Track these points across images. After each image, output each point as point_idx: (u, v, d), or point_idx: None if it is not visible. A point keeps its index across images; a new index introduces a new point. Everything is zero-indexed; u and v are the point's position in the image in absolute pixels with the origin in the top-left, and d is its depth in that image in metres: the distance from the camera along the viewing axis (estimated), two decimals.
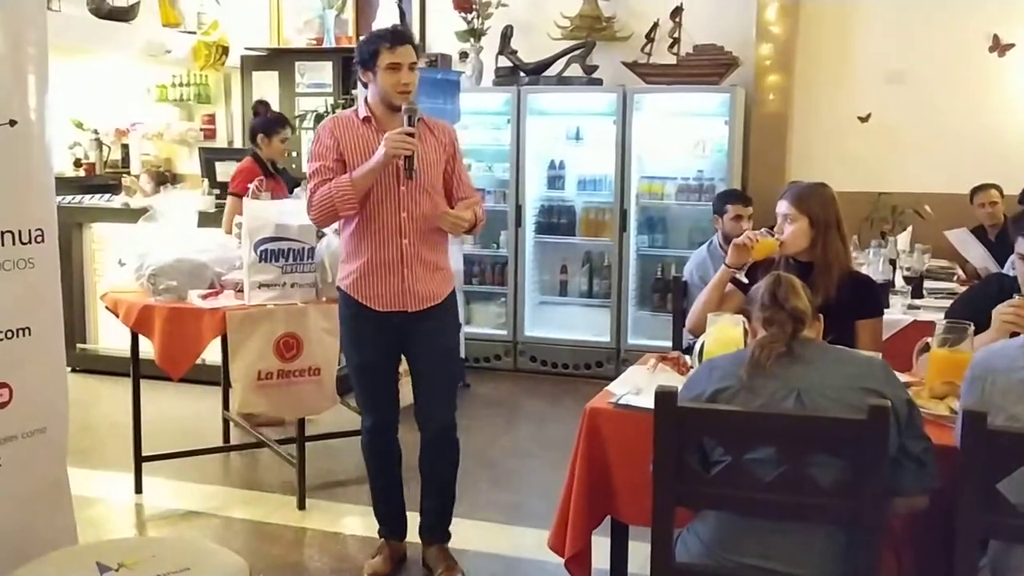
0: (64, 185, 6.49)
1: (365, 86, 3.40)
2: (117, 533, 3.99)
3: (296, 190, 5.17)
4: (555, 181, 6.89)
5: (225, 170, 5.88)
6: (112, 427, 5.15)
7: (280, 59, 7.47)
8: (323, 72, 7.37)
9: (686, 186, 6.58)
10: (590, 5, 6.80)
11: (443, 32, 7.04)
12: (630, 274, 6.63)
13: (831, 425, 2.09)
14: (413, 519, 3.67)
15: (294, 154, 7.49)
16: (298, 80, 7.41)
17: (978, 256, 5.43)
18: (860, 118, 6.57)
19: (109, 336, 6.30)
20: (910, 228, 5.85)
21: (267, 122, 5.38)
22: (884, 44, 6.50)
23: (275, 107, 7.47)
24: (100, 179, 7.54)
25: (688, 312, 3.67)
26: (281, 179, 5.41)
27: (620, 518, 2.78)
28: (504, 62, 6.88)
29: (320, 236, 4.13)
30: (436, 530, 3.61)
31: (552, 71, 6.76)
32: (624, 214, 6.53)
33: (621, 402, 2.71)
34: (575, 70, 6.70)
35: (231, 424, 4.97)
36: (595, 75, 6.70)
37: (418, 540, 3.65)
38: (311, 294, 4.09)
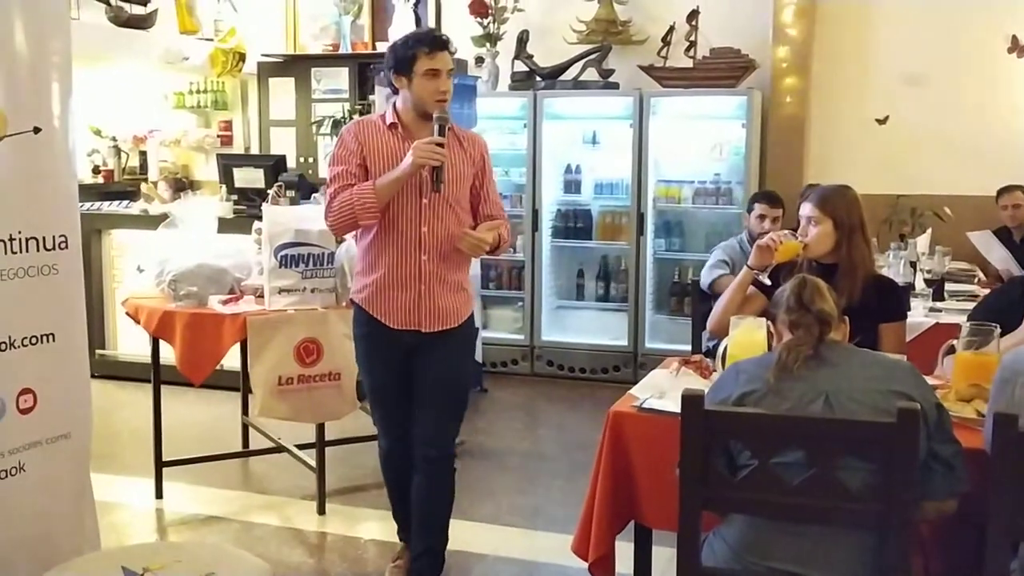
0: (83, 192, 6.46)
1: (395, 91, 3.23)
2: (138, 538, 4.00)
3: (314, 195, 5.18)
4: (571, 185, 6.89)
5: (243, 176, 5.89)
6: (132, 433, 5.17)
7: (296, 65, 7.49)
8: (339, 78, 7.37)
9: (703, 189, 6.56)
10: (606, 9, 6.80)
11: (459, 37, 6.99)
12: (647, 278, 6.62)
13: (861, 428, 2.08)
14: None
15: (310, 159, 7.53)
16: (314, 86, 7.43)
17: (1000, 258, 5.40)
18: (878, 120, 6.54)
19: (128, 342, 6.33)
20: (929, 230, 5.82)
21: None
22: (901, 46, 6.47)
23: (291, 114, 7.55)
24: (118, 186, 7.57)
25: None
26: None
27: (644, 522, 2.77)
28: (520, 67, 6.89)
29: (340, 241, 4.13)
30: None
31: (568, 75, 6.75)
32: (641, 218, 6.52)
33: (645, 406, 2.70)
34: (591, 74, 6.70)
35: (250, 429, 4.97)
36: (611, 79, 6.69)
37: None
38: (331, 299, 4.09)
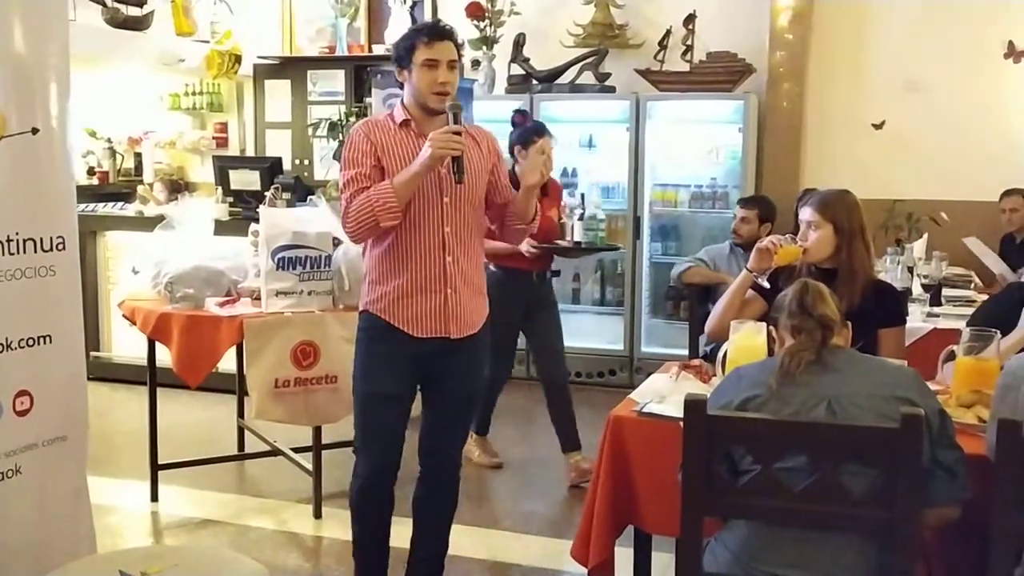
0: (78, 193, 6.45)
1: (401, 87, 3.06)
2: (134, 541, 3.98)
3: (311, 197, 5.15)
4: (568, 189, 6.87)
5: (239, 178, 5.87)
6: (127, 435, 5.15)
7: (292, 68, 7.48)
8: (335, 80, 7.37)
9: (699, 194, 6.56)
10: (603, 12, 6.80)
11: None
12: (643, 282, 6.62)
13: (864, 434, 2.07)
14: None
15: (306, 162, 7.51)
16: (310, 88, 7.42)
17: (993, 263, 5.42)
18: (874, 125, 6.55)
19: (123, 344, 6.31)
20: (926, 235, 5.82)
21: (524, 132, 4.74)
22: (898, 51, 6.48)
23: (287, 116, 7.53)
24: (113, 187, 7.55)
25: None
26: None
27: (643, 527, 2.77)
28: (516, 70, 6.88)
29: (337, 244, 4.12)
30: None
31: (565, 79, 6.75)
32: (637, 221, 6.52)
33: (645, 410, 2.69)
34: (588, 78, 6.70)
35: (246, 432, 4.95)
36: (608, 83, 6.69)
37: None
38: (328, 302, 4.08)
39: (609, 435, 2.68)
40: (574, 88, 6.69)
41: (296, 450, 4.50)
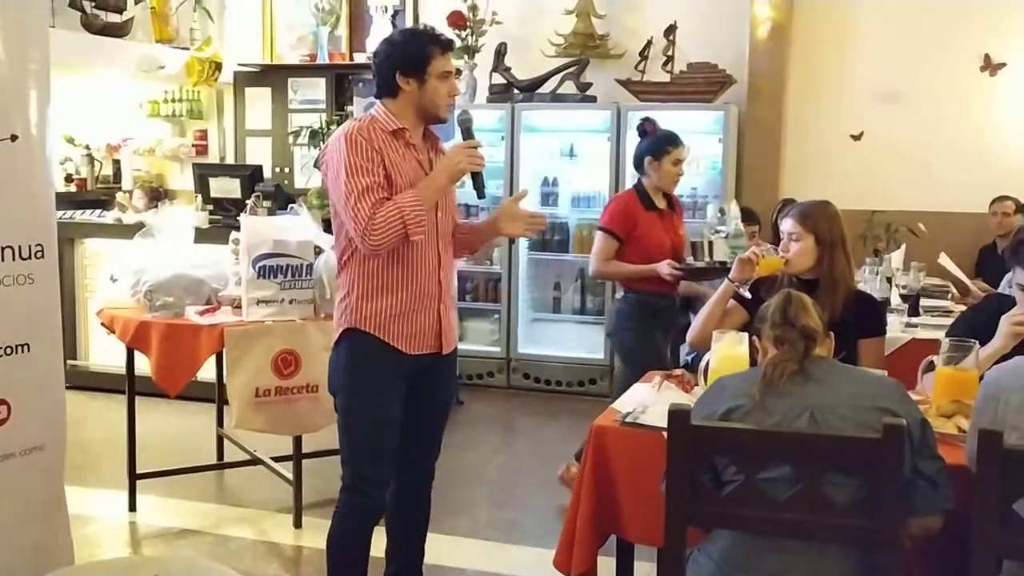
0: (56, 200, 6.43)
1: (391, 96, 2.89)
2: (112, 552, 3.94)
3: (292, 205, 5.13)
4: (549, 198, 6.89)
5: (219, 186, 5.84)
6: (104, 444, 5.10)
7: (273, 75, 7.46)
8: (316, 88, 7.36)
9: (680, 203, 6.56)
10: (584, 23, 6.83)
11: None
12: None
13: (847, 444, 2.08)
14: None
15: (287, 170, 7.49)
16: (291, 96, 7.41)
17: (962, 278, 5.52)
18: (853, 136, 6.61)
19: (100, 352, 6.26)
20: (904, 246, 5.86)
21: (656, 142, 4.49)
22: (876, 63, 6.54)
23: (267, 123, 7.50)
24: (92, 194, 7.49)
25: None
26: (665, 212, 4.51)
27: (626, 537, 2.77)
28: (498, 79, 6.89)
29: (318, 252, 4.11)
30: None
31: (546, 88, 6.77)
32: None
33: (628, 420, 2.69)
34: (569, 87, 6.72)
35: (225, 441, 4.92)
36: (589, 92, 6.71)
37: None
38: (309, 310, 4.07)
39: (592, 445, 2.68)
40: (555, 97, 6.71)
41: (276, 459, 4.48)
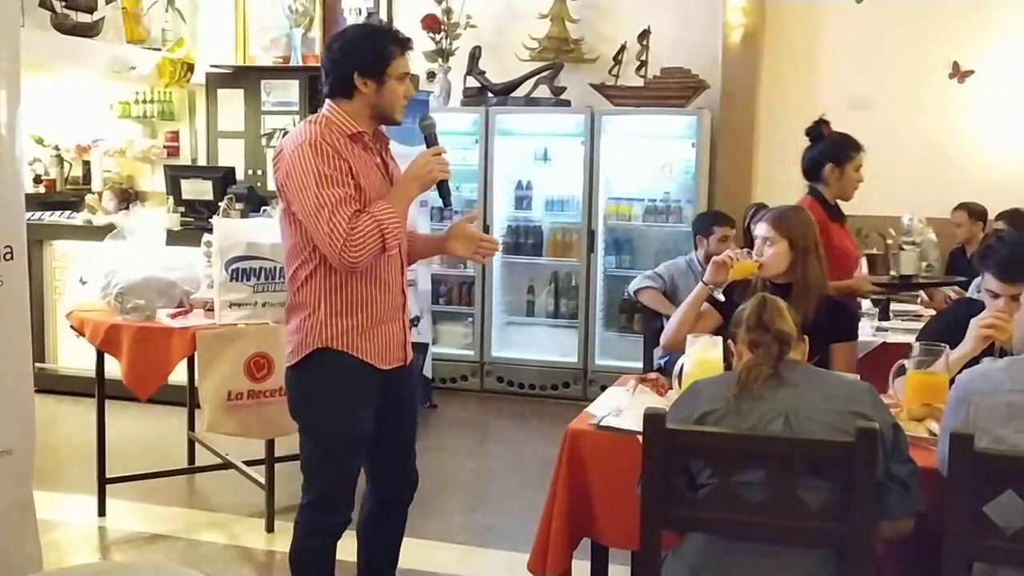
0: (24, 201, 6.36)
1: (345, 96, 2.77)
2: (80, 557, 3.90)
3: (265, 208, 5.11)
4: (523, 201, 6.90)
5: (191, 188, 5.80)
6: (73, 448, 5.05)
7: (246, 77, 7.40)
8: (289, 90, 7.30)
9: (653, 207, 6.62)
10: (558, 27, 6.84)
11: (411, 52, 7.02)
12: (597, 295, 6.65)
13: (820, 448, 2.10)
14: None
15: (259, 172, 7.44)
16: (264, 98, 7.34)
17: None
18: None
19: (69, 355, 6.19)
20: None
21: (837, 145, 4.15)
22: (847, 70, 6.59)
23: (240, 125, 7.43)
24: (61, 196, 7.41)
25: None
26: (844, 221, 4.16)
27: (600, 540, 2.77)
28: (472, 82, 6.89)
29: None
30: None
31: (520, 92, 6.77)
32: (592, 235, 6.56)
33: (603, 424, 2.70)
34: (543, 91, 6.72)
35: (197, 445, 4.88)
36: (563, 96, 6.72)
37: None
38: (282, 313, 4.02)
39: (567, 448, 2.69)
40: (529, 101, 6.71)
41: (248, 463, 4.45)
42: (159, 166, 7.26)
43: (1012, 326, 2.66)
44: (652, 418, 2.12)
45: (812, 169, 4.16)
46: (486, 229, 6.71)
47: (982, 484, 2.00)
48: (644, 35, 6.62)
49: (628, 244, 6.80)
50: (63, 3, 6.46)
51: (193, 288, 4.23)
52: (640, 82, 6.61)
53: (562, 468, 2.68)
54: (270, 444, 4.12)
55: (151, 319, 4.04)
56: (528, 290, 6.99)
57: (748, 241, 4.90)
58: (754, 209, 5.77)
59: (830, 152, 4.10)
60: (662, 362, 4.61)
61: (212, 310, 4.02)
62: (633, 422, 2.56)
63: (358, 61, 2.73)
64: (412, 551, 3.57)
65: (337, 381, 2.78)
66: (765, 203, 5.55)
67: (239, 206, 4.86)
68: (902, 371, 2.88)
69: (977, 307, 3.03)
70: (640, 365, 4.89)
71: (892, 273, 4.08)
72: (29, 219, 6.17)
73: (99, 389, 4.26)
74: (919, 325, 4.02)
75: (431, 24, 6.78)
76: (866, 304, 4.88)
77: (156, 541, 4.07)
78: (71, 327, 4.31)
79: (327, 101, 2.81)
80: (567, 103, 6.72)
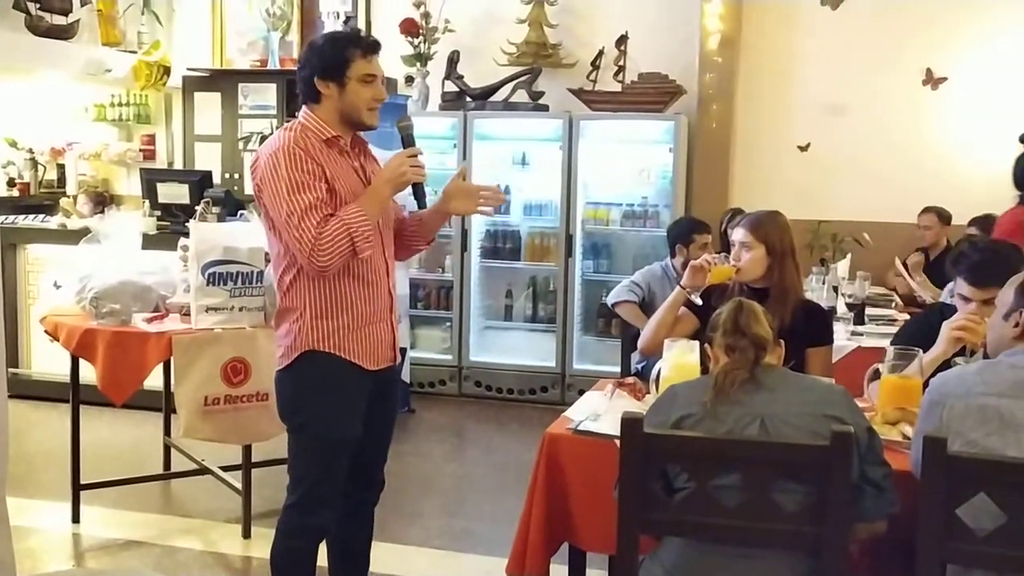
0: None
1: (315, 101, 2.80)
2: (55, 565, 3.87)
3: (242, 212, 5.08)
4: (501, 206, 6.87)
5: (167, 192, 5.76)
6: (47, 454, 5.00)
7: (223, 80, 7.37)
8: (267, 94, 7.27)
9: (631, 212, 6.64)
10: (536, 32, 6.85)
11: (389, 56, 6.96)
12: (575, 299, 6.66)
13: (796, 451, 2.11)
14: None
15: (236, 175, 7.40)
16: (241, 102, 7.31)
17: (917, 287, 5.64)
18: (800, 147, 6.71)
19: (43, 360, 6.13)
20: (849, 255, 5.98)
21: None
22: (822, 77, 6.64)
23: (217, 129, 7.40)
24: (35, 199, 7.34)
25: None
26: None
27: (578, 544, 2.78)
28: (450, 87, 6.89)
29: (269, 260, 4.06)
30: None
31: (498, 96, 6.78)
32: (569, 239, 6.57)
33: (580, 428, 2.71)
34: (521, 96, 6.74)
35: (172, 450, 4.85)
36: (541, 101, 6.74)
37: None
38: (259, 318, 4.02)
39: (544, 453, 2.69)
40: (508, 106, 6.73)
41: (225, 468, 4.42)
42: (135, 169, 7.22)
43: (983, 328, 2.69)
44: (629, 423, 2.13)
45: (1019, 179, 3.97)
46: (464, 233, 6.72)
47: (955, 487, 2.02)
48: (622, 40, 6.65)
49: (606, 248, 6.83)
50: (37, 5, 6.41)
51: (169, 292, 4.20)
52: (618, 87, 6.63)
53: (540, 472, 2.69)
54: (247, 449, 4.10)
55: (126, 324, 4.01)
56: (506, 294, 6.99)
57: (725, 246, 4.93)
58: (731, 214, 5.82)
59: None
60: (639, 366, 4.62)
61: (188, 315, 4.00)
62: (611, 426, 2.57)
63: (317, 65, 2.79)
64: (390, 556, 3.57)
65: (325, 383, 2.80)
66: (742, 208, 5.59)
67: (216, 210, 4.82)
68: (877, 375, 2.90)
69: (951, 312, 3.07)
70: (618, 369, 4.90)
71: None
72: (2, 223, 6.18)
73: (74, 394, 4.22)
74: (894, 329, 4.05)
75: (409, 28, 6.78)
76: (841, 308, 4.92)
77: (131, 548, 4.04)
78: (45, 332, 4.27)
79: (303, 107, 2.86)
80: (545, 108, 6.74)
